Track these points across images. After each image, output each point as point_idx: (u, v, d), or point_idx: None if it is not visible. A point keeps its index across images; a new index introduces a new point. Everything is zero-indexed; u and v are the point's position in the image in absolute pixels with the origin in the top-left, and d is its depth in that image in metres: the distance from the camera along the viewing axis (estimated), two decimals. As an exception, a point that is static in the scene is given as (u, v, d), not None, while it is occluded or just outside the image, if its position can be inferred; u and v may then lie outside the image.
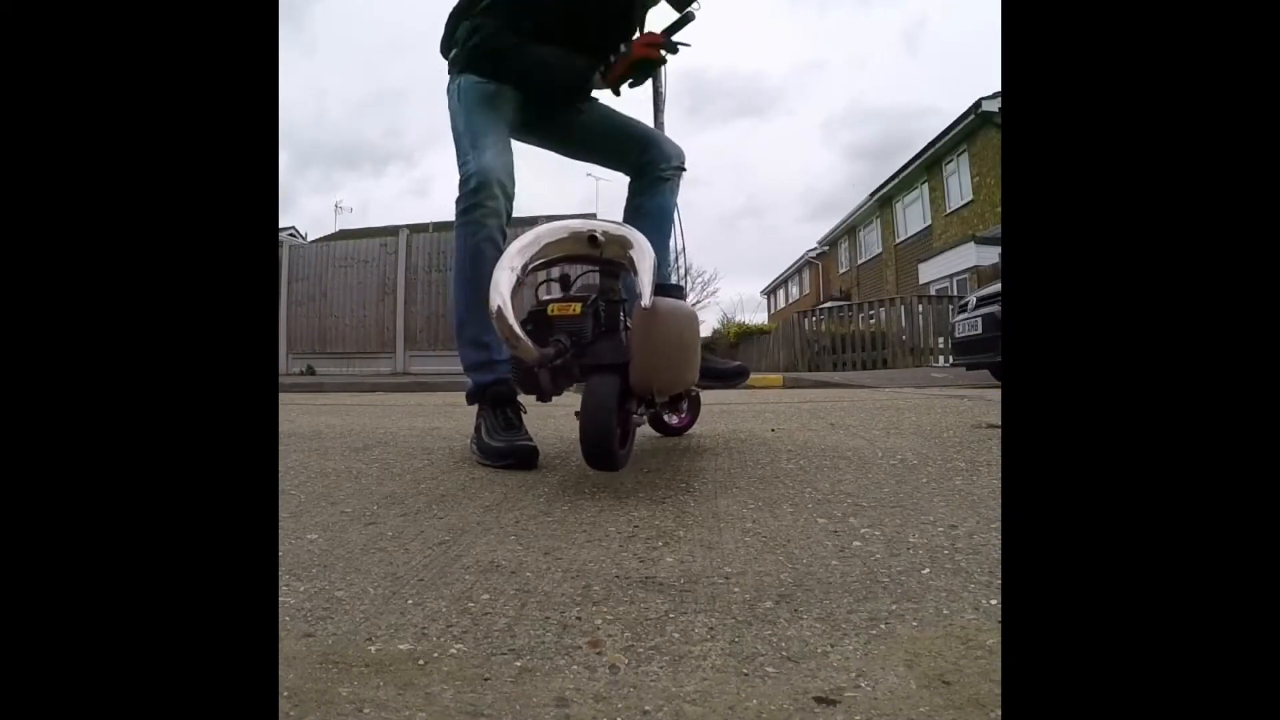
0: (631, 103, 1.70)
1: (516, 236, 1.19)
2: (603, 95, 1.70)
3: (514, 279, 1.08)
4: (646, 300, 1.05)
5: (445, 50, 1.61)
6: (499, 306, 1.03)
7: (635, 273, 1.11)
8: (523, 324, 1.07)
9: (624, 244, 1.14)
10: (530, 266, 1.14)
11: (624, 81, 1.64)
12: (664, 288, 1.15)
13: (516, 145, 1.52)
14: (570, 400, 1.21)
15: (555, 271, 1.24)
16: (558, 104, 1.61)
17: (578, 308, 1.11)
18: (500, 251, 1.42)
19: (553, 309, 1.12)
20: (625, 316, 1.19)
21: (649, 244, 1.15)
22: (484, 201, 1.39)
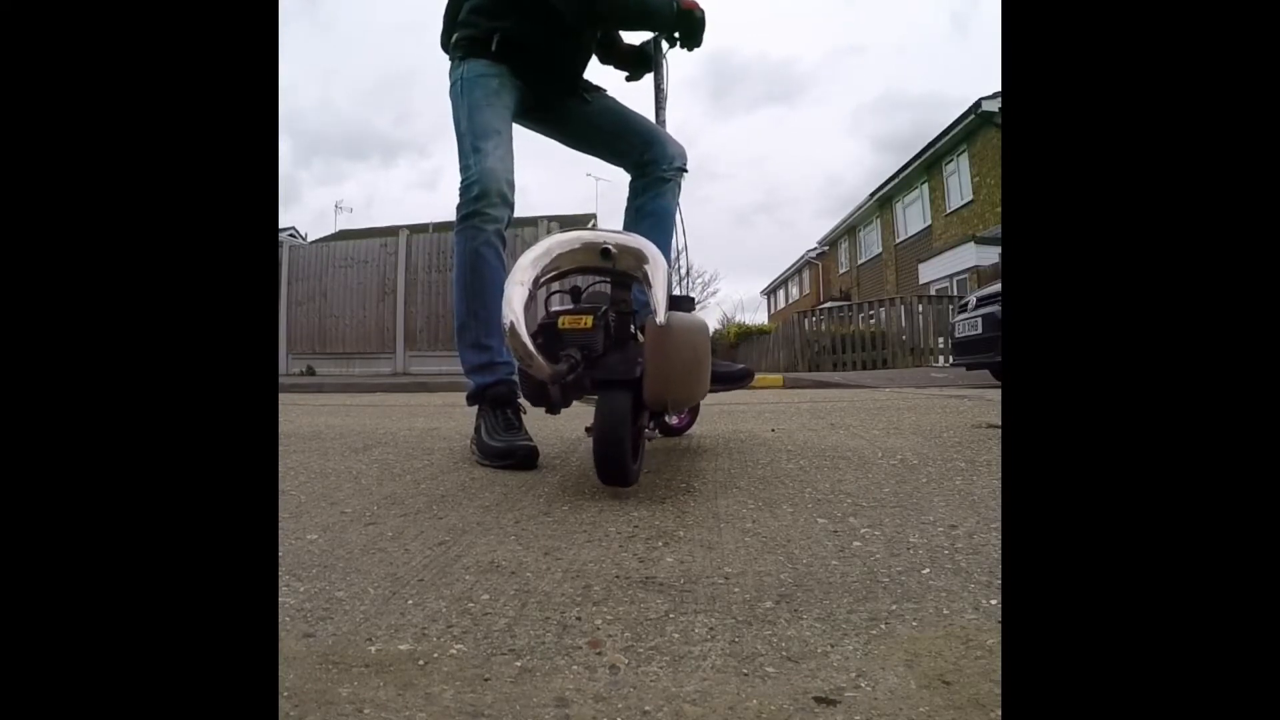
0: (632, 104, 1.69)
1: (516, 238, 1.19)
2: (611, 87, 1.69)
3: (526, 294, 1.06)
4: (661, 317, 1.03)
5: (445, 40, 1.61)
6: (512, 323, 1.01)
7: (649, 286, 1.09)
8: (533, 337, 1.05)
9: (638, 257, 1.12)
10: (542, 280, 1.12)
11: (630, 63, 1.63)
12: (675, 300, 1.14)
13: (518, 140, 1.51)
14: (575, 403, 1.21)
15: (561, 282, 1.22)
16: (557, 89, 1.60)
17: (589, 321, 1.09)
18: (500, 257, 1.42)
19: (564, 322, 1.10)
20: (636, 328, 1.17)
21: (663, 257, 1.12)
22: (484, 209, 1.40)
